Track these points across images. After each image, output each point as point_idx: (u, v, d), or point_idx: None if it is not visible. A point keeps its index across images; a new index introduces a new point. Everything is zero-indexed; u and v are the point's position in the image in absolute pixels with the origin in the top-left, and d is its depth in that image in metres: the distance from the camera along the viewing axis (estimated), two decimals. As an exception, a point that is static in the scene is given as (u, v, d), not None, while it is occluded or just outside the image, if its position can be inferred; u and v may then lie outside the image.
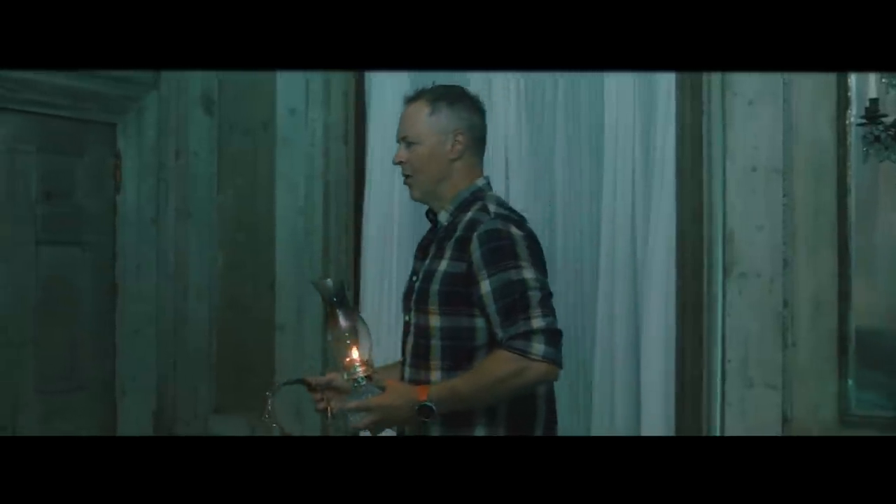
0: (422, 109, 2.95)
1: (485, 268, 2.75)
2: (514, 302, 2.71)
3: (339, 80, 4.38)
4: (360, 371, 2.72)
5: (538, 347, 2.68)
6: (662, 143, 3.91)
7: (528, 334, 2.69)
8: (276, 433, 2.88)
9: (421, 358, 2.87)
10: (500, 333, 2.73)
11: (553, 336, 2.73)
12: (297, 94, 4.41)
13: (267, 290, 4.47)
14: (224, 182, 4.72)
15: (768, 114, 3.58)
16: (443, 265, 2.84)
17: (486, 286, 2.75)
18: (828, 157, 3.52)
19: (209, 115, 4.72)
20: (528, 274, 2.75)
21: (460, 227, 2.86)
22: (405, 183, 3.00)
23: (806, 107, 3.54)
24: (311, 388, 2.92)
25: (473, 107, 3.02)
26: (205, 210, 4.74)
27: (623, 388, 4.01)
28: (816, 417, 3.53)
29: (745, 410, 3.59)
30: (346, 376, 2.76)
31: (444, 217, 2.93)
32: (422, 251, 3.02)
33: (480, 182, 2.98)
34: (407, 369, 2.93)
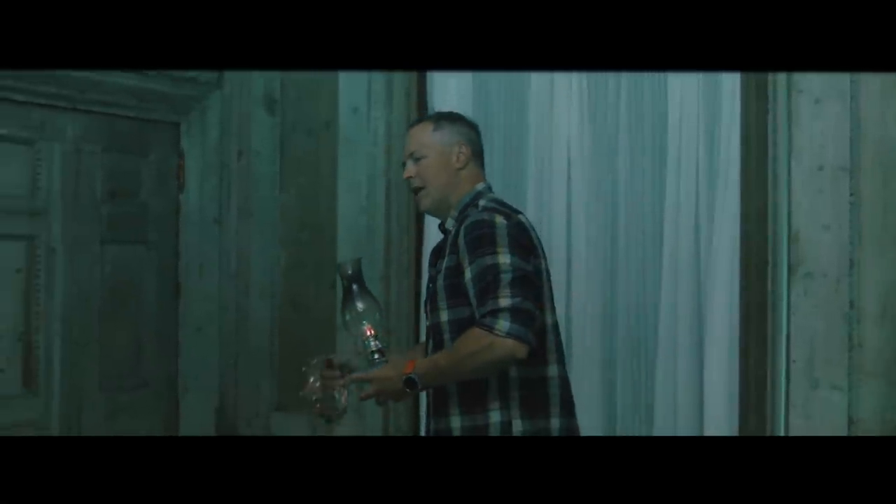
0: (426, 128, 3.16)
1: (467, 256, 2.90)
2: (487, 284, 2.83)
3: (402, 79, 4.38)
4: (373, 345, 2.94)
5: (503, 324, 2.76)
6: (727, 142, 3.87)
7: (496, 312, 2.78)
8: (319, 410, 3.07)
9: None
10: (476, 315, 2.84)
11: (519, 314, 2.79)
12: (359, 93, 4.42)
13: (328, 289, 4.48)
14: (286, 181, 4.74)
15: (835, 112, 3.53)
16: (444, 262, 3.00)
17: (468, 273, 2.89)
18: (895, 156, 3.47)
19: (272, 115, 4.74)
20: (504, 259, 2.85)
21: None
22: (416, 196, 3.16)
23: (873, 104, 3.49)
24: (332, 367, 3.08)
25: (471, 125, 3.21)
26: (267, 209, 4.76)
27: (686, 388, 3.98)
28: (883, 419, 3.48)
29: (810, 412, 3.55)
30: (364, 351, 2.96)
31: (450, 223, 3.10)
32: (435, 257, 3.16)
33: (480, 186, 3.15)
34: None
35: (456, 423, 2.94)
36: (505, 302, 2.78)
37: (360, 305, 2.96)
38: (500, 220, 2.92)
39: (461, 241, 2.91)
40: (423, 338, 3.58)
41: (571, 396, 3.06)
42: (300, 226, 4.70)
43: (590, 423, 4.12)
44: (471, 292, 2.87)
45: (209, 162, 4.86)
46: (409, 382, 2.83)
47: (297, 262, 4.69)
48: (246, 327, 4.78)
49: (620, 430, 4.16)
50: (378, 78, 4.37)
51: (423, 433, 3.13)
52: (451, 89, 4.32)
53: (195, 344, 4.88)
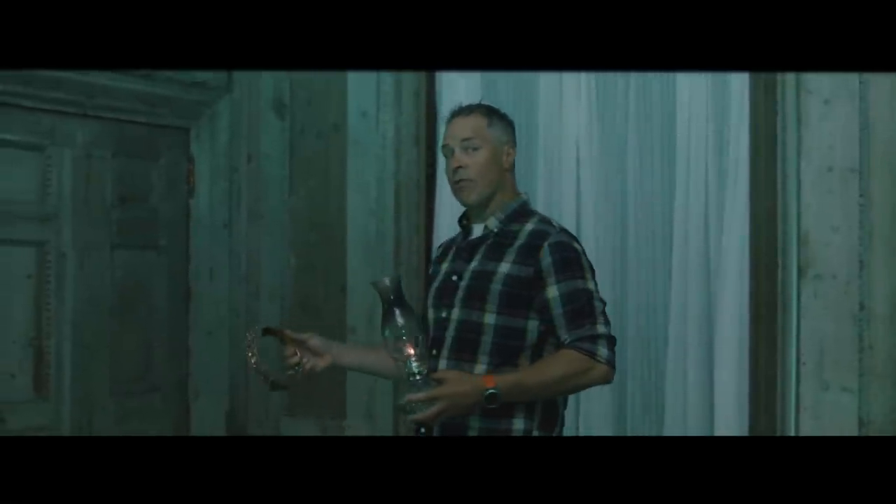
0: (481, 120, 3.08)
1: (554, 274, 2.91)
2: (581, 308, 2.89)
3: (410, 81, 4.39)
4: (416, 366, 2.77)
5: (603, 351, 2.87)
6: (736, 143, 3.88)
7: (595, 338, 2.87)
8: (261, 378, 3.08)
9: (466, 352, 2.96)
10: (563, 335, 2.89)
11: (612, 343, 2.91)
12: (368, 96, 4.43)
13: (338, 291, 4.49)
14: (296, 185, 4.75)
15: (844, 113, 3.53)
16: (504, 268, 2.95)
17: (553, 291, 2.90)
18: (905, 157, 3.48)
19: (281, 119, 4.75)
20: (592, 286, 2.95)
21: (522, 235, 3.00)
22: (461, 186, 3.06)
23: (883, 105, 3.49)
24: (287, 341, 3.07)
25: (513, 125, 3.18)
26: (277, 213, 4.77)
27: (696, 388, 3.98)
28: (893, 421, 3.48)
29: (820, 413, 3.55)
30: (403, 372, 2.80)
31: (493, 224, 3.05)
32: (466, 252, 3.08)
33: (524, 196, 3.15)
34: (444, 362, 2.98)
35: (475, 424, 2.91)
36: (602, 329, 2.89)
37: (399, 324, 2.80)
38: (578, 246, 3.00)
39: (545, 258, 2.92)
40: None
41: (564, 413, 3.10)
42: (310, 228, 4.71)
43: (600, 424, 4.13)
44: (557, 311, 2.89)
45: (219, 166, 4.88)
46: (492, 397, 2.77)
47: (306, 264, 4.70)
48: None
49: (631, 430, 4.16)
50: (387, 80, 4.38)
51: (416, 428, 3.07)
52: (460, 90, 4.32)
53: (206, 348, 4.88)
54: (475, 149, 3.03)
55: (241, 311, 4.81)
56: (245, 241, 4.81)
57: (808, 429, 3.55)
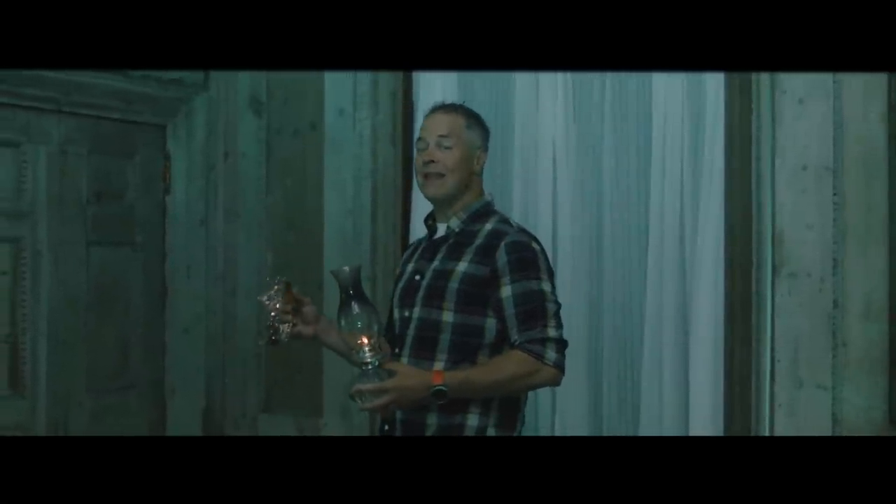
0: (460, 119, 3.15)
1: (509, 274, 2.96)
2: (534, 309, 2.94)
3: (387, 80, 4.39)
4: (370, 355, 2.84)
5: (551, 354, 2.92)
6: (711, 142, 3.89)
7: (544, 341, 2.92)
8: (270, 332, 3.06)
9: (426, 350, 3.01)
10: (514, 336, 2.95)
11: (563, 346, 2.97)
12: (345, 95, 4.43)
13: (315, 290, 4.47)
14: (273, 183, 4.74)
15: (818, 112, 3.54)
16: (462, 266, 3.01)
17: (507, 290, 2.96)
18: (879, 155, 3.48)
19: (258, 117, 4.74)
20: (546, 287, 2.99)
21: (482, 235, 3.06)
22: (428, 179, 3.11)
23: (857, 104, 3.50)
24: (290, 298, 3.06)
25: (489, 132, 3.25)
26: (254, 211, 4.76)
27: (671, 387, 3.99)
28: (867, 418, 3.50)
29: (795, 411, 3.57)
30: (356, 360, 2.87)
31: (455, 224, 3.11)
32: (429, 252, 3.14)
33: (489, 197, 3.20)
34: (405, 360, 3.03)
35: (432, 420, 2.96)
36: (553, 332, 2.94)
37: (355, 313, 2.88)
38: (536, 246, 3.04)
39: (501, 257, 2.96)
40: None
41: (524, 410, 3.14)
42: (287, 227, 4.70)
43: (576, 423, 4.14)
44: (509, 310, 2.94)
45: (195, 164, 4.87)
46: (440, 394, 2.84)
47: (283, 263, 4.69)
48: (233, 328, 4.78)
49: (606, 430, 4.17)
50: (364, 79, 4.37)
51: (380, 423, 3.11)
52: (436, 90, 4.32)
53: (182, 345, 4.87)
54: (448, 147, 3.08)
55: (218, 309, 4.81)
56: (222, 238, 4.80)
57: (783, 426, 3.57)
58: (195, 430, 4.81)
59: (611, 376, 4.18)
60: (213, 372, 4.84)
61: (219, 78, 4.80)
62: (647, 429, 4.04)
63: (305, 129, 4.62)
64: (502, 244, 2.98)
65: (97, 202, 4.57)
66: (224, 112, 4.80)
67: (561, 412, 4.18)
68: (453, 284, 2.98)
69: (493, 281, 2.96)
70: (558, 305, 2.99)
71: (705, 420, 3.87)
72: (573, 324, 4.15)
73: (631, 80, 4.16)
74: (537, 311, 2.93)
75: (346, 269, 2.93)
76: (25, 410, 4.30)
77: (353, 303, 2.88)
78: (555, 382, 2.99)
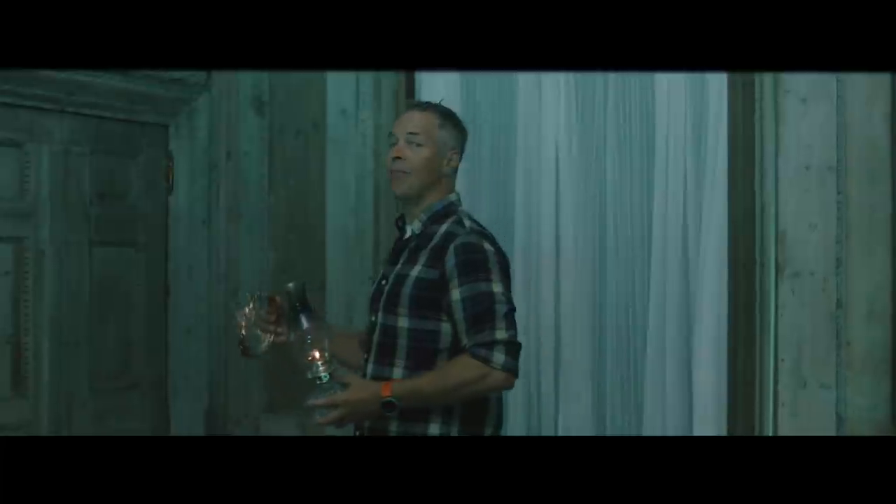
0: (433, 119, 3.10)
1: (457, 277, 2.90)
2: (482, 312, 2.87)
3: (390, 80, 4.38)
4: (322, 369, 2.84)
5: (499, 357, 2.83)
6: (714, 142, 3.88)
7: (492, 344, 2.84)
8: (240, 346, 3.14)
9: (385, 356, 2.99)
10: (464, 340, 2.88)
11: (512, 348, 2.87)
12: (347, 94, 4.42)
13: (318, 290, 4.48)
14: (275, 183, 4.74)
15: (821, 112, 3.54)
16: (415, 271, 2.98)
17: (456, 294, 2.90)
18: (882, 155, 3.48)
19: (260, 116, 4.74)
20: (497, 288, 2.91)
21: (436, 237, 3.01)
22: (395, 178, 3.09)
23: (860, 104, 3.50)
24: (273, 308, 3.09)
25: (465, 133, 3.19)
26: (256, 210, 4.76)
27: (675, 388, 3.98)
28: (871, 417, 3.49)
29: (799, 410, 3.56)
30: (308, 375, 2.86)
31: (416, 226, 3.07)
32: (394, 255, 3.13)
33: (453, 197, 3.13)
34: (370, 366, 3.03)
35: (392, 427, 2.92)
36: (501, 335, 2.85)
37: (304, 328, 2.89)
38: (488, 246, 2.97)
39: (449, 260, 2.91)
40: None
41: (503, 415, 3.11)
42: (289, 227, 4.70)
43: (580, 424, 4.13)
44: (459, 314, 2.89)
45: (198, 163, 4.87)
46: (389, 405, 2.81)
47: (285, 263, 4.69)
48: (235, 328, 4.77)
49: (610, 431, 4.15)
50: (366, 79, 4.37)
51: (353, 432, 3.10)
52: (439, 90, 4.30)
53: (184, 345, 4.88)
54: (419, 145, 3.05)
55: (220, 308, 4.80)
56: (224, 239, 4.80)
57: (787, 425, 3.56)
58: (198, 429, 4.82)
59: (614, 376, 4.17)
60: (216, 372, 4.84)
61: (221, 77, 4.80)
62: (651, 429, 4.03)
63: (308, 129, 4.62)
64: (451, 246, 2.93)
65: (100, 202, 4.58)
66: (226, 112, 4.80)
67: (564, 412, 4.17)
68: (406, 289, 2.95)
69: (444, 284, 2.92)
70: (511, 307, 2.92)
71: (708, 420, 3.86)
72: (576, 324, 4.15)
73: (633, 80, 4.15)
74: (486, 313, 2.87)
75: (291, 285, 2.94)
76: (28, 410, 4.31)
77: (301, 318, 2.90)
78: (506, 386, 2.91)
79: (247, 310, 3.12)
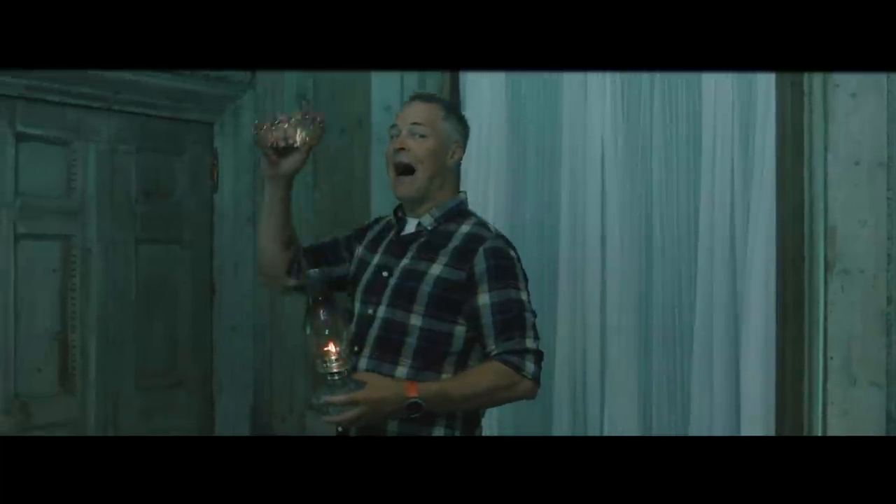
0: (437, 111, 3.05)
1: (487, 281, 2.85)
2: (512, 319, 2.84)
3: (434, 77, 4.37)
4: (336, 366, 2.64)
5: (530, 367, 2.82)
6: (762, 139, 3.85)
7: (523, 353, 2.82)
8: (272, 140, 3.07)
9: (389, 352, 2.88)
10: (491, 346, 2.84)
11: (540, 358, 2.87)
12: (391, 91, 4.41)
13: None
14: (320, 180, 4.74)
15: (872, 106, 3.49)
16: (436, 269, 2.90)
17: (485, 298, 2.84)
18: (933, 150, 3.45)
19: (305, 114, 4.75)
20: (524, 296, 2.90)
21: (457, 237, 2.95)
22: (401, 176, 3.02)
23: (910, 99, 3.47)
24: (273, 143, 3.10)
25: (468, 128, 3.15)
26: (301, 207, 4.74)
27: (722, 387, 3.96)
28: (922, 416, 3.46)
29: (848, 409, 3.52)
30: (319, 370, 2.67)
31: (426, 221, 3.00)
32: (397, 248, 3.02)
33: (462, 195, 3.10)
34: (366, 360, 2.90)
35: (393, 428, 2.84)
36: (531, 344, 2.84)
37: (323, 320, 2.66)
38: (514, 253, 2.95)
39: (479, 263, 2.86)
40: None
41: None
42: (334, 223, 4.69)
43: (626, 423, 4.11)
44: (485, 318, 2.83)
45: (242, 161, 4.88)
46: (415, 406, 2.69)
47: (331, 259, 4.69)
48: (280, 325, 4.79)
49: (656, 430, 4.14)
50: (410, 76, 4.35)
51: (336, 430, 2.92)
52: (483, 89, 4.30)
53: (230, 342, 4.90)
54: (422, 136, 2.99)
55: (265, 306, 4.83)
56: (269, 235, 4.81)
57: (836, 425, 3.53)
58: (243, 426, 4.85)
59: (661, 376, 4.15)
60: (261, 369, 4.86)
61: (265, 75, 4.81)
62: (697, 429, 4.01)
63: (352, 126, 4.61)
64: (481, 249, 2.88)
65: (146, 200, 4.61)
66: (271, 109, 4.79)
67: (610, 411, 4.15)
68: (426, 287, 2.87)
69: (470, 287, 2.85)
70: (535, 316, 2.90)
71: (756, 420, 3.83)
72: (623, 322, 4.14)
73: (679, 79, 4.13)
74: (516, 321, 2.84)
75: (315, 272, 2.78)
76: (75, 408, 4.35)
77: (321, 309, 2.68)
78: (531, 396, 2.88)
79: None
